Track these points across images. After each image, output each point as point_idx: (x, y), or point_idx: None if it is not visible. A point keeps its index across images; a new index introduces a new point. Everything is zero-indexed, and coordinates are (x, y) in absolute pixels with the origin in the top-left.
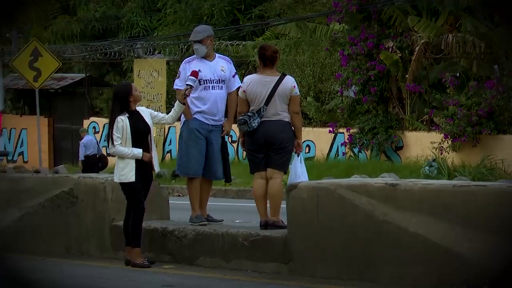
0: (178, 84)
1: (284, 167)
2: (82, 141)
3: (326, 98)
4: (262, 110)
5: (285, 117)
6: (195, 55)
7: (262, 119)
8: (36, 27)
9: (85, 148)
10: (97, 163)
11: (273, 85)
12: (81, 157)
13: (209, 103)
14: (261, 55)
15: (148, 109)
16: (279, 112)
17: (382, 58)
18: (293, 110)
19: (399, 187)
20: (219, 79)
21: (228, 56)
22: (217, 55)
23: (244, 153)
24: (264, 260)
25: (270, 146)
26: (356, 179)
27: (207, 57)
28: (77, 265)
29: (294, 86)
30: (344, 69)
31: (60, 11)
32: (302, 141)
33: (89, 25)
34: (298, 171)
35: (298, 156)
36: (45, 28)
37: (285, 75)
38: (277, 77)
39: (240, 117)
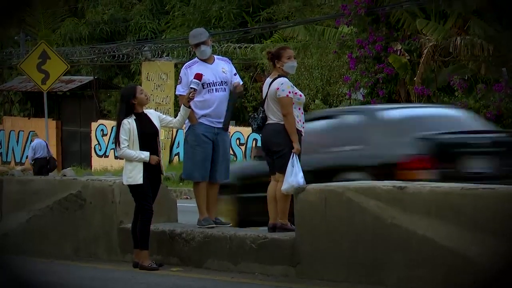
0: (180, 90)
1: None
2: (32, 144)
3: (334, 101)
4: (259, 112)
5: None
6: (194, 59)
7: (266, 122)
8: (45, 30)
9: (34, 151)
10: (46, 165)
11: (267, 87)
12: (30, 160)
13: (214, 106)
14: None
15: (156, 112)
16: (276, 115)
17: (391, 61)
18: (282, 112)
19: (407, 190)
20: (221, 81)
21: (235, 59)
22: (215, 57)
23: (252, 156)
24: (272, 263)
25: (269, 150)
26: (364, 182)
27: (207, 60)
28: (85, 267)
29: (278, 88)
30: (352, 72)
31: (68, 13)
32: None
33: (97, 27)
34: (295, 169)
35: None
36: (53, 31)
37: (279, 77)
38: (271, 79)
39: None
